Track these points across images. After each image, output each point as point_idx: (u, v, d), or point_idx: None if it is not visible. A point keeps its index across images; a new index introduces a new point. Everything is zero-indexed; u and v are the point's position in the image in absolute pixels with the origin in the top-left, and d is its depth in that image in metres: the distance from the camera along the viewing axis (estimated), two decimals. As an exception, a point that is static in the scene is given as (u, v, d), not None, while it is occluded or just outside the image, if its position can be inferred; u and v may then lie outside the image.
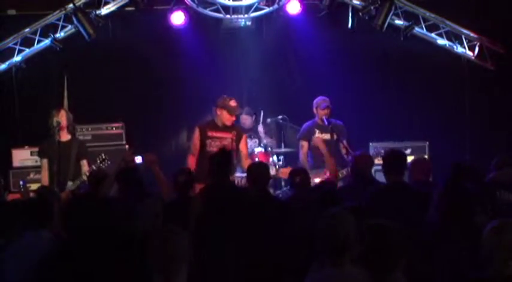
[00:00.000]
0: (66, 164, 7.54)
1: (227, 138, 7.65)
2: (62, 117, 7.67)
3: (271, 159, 8.52)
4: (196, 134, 7.72)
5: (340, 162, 8.20)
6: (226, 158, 6.10)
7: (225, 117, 7.69)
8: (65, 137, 7.73)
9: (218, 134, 7.68)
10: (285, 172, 7.71)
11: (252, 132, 9.22)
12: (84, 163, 7.72)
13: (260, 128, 9.26)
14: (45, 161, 7.69)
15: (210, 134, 7.68)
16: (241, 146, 7.76)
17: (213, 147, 7.55)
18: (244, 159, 7.82)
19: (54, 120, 7.59)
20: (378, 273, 3.32)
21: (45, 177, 7.66)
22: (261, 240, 4.97)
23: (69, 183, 7.49)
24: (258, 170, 5.83)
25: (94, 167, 7.38)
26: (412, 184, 5.95)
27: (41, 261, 3.86)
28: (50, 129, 7.64)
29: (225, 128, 7.70)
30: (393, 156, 5.80)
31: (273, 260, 4.81)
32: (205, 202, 5.40)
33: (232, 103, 7.73)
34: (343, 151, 8.18)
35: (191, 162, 7.49)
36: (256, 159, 8.55)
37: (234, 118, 7.77)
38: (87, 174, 7.27)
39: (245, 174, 7.85)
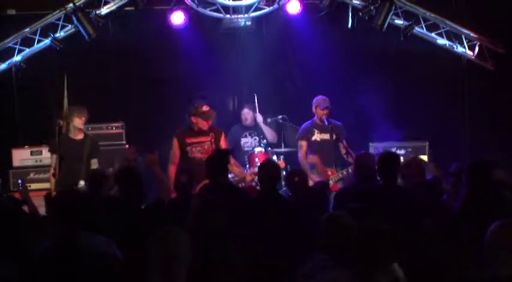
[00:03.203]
0: (78, 163, 7.60)
1: (206, 141, 7.71)
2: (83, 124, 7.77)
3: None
4: (175, 143, 7.73)
5: (340, 162, 8.20)
6: (223, 157, 6.10)
7: (201, 123, 7.75)
8: (79, 135, 7.76)
9: (197, 139, 7.72)
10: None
11: (253, 129, 9.22)
12: (95, 162, 7.79)
13: (259, 118, 9.20)
14: (54, 156, 7.70)
15: (188, 140, 7.71)
16: (221, 145, 7.76)
17: (195, 153, 7.65)
18: None
19: (77, 122, 7.70)
20: (364, 273, 3.30)
21: (52, 172, 7.65)
22: (262, 240, 4.96)
23: (81, 182, 7.50)
24: (266, 169, 5.80)
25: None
26: (407, 187, 5.94)
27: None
28: (65, 126, 7.67)
29: (202, 132, 7.75)
30: (384, 159, 5.74)
31: (274, 260, 4.80)
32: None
33: (205, 108, 7.78)
34: (343, 151, 8.18)
35: (172, 171, 7.38)
36: (256, 159, 8.57)
37: (210, 122, 7.79)
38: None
39: (231, 175, 7.89)
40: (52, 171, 7.67)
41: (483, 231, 3.51)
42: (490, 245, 3.38)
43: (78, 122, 7.76)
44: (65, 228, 3.86)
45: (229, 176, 7.78)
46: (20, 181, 8.12)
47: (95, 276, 3.67)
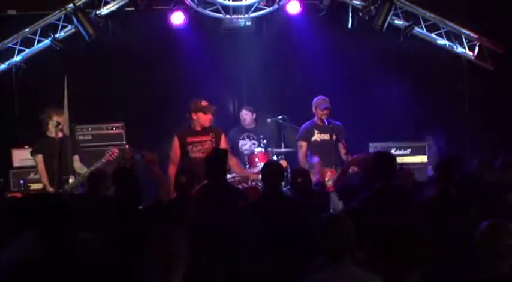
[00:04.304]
0: (65, 161, 7.66)
1: (207, 141, 7.65)
2: (65, 120, 7.78)
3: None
4: (176, 142, 7.68)
5: (339, 162, 8.20)
6: (221, 157, 6.09)
7: (202, 119, 7.68)
8: (59, 134, 7.81)
9: (197, 139, 7.67)
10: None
11: (252, 132, 9.23)
12: (76, 158, 7.87)
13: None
14: (40, 156, 7.75)
15: (189, 140, 7.65)
16: (222, 145, 7.70)
17: (196, 152, 7.60)
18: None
19: (54, 120, 7.68)
20: (396, 275, 3.25)
21: (43, 172, 7.72)
22: (261, 240, 4.97)
23: (71, 178, 7.57)
24: (270, 169, 5.78)
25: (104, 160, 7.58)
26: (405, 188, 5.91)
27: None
28: (45, 127, 7.71)
29: (203, 132, 7.69)
30: (379, 159, 5.63)
31: (277, 259, 4.81)
32: (202, 202, 5.41)
33: (204, 103, 7.73)
34: (343, 151, 8.18)
35: (172, 171, 7.28)
36: (257, 160, 8.58)
37: (211, 116, 7.73)
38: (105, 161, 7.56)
39: (233, 174, 7.88)
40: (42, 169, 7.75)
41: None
42: (480, 248, 3.37)
43: (60, 122, 7.80)
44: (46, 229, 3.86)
45: (232, 175, 7.85)
46: (21, 181, 8.19)
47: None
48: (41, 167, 7.75)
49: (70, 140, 8.03)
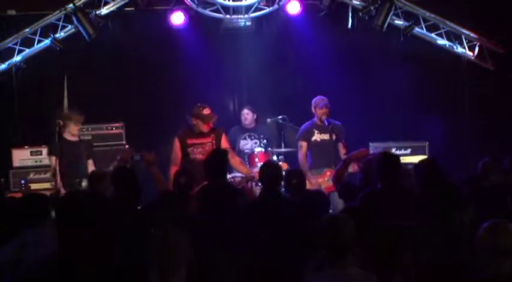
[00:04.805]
0: (78, 163, 7.72)
1: (207, 142, 7.70)
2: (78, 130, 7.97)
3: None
4: (177, 144, 7.72)
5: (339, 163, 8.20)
6: (221, 158, 6.09)
7: (201, 126, 7.74)
8: (74, 137, 7.83)
9: (198, 141, 7.71)
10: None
11: (252, 131, 9.23)
12: (91, 163, 7.91)
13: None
14: (54, 158, 7.75)
15: (190, 141, 7.69)
16: (222, 145, 7.74)
17: (196, 154, 7.64)
18: (230, 157, 7.76)
19: (72, 128, 7.83)
20: (384, 272, 3.28)
21: (57, 174, 7.70)
22: (261, 241, 4.97)
23: (84, 181, 7.57)
24: (268, 170, 5.77)
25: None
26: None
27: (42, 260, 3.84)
28: (58, 129, 7.72)
29: (204, 133, 7.74)
30: (385, 160, 5.62)
31: (276, 260, 4.81)
32: (202, 202, 5.41)
33: (206, 111, 7.76)
34: (342, 151, 8.18)
35: (173, 172, 7.14)
36: (257, 160, 8.58)
37: (210, 125, 7.79)
38: None
39: (233, 174, 7.88)
40: (52, 172, 7.74)
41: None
42: (481, 247, 3.38)
43: (73, 128, 7.89)
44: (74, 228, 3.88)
45: (232, 175, 7.85)
46: (22, 181, 8.19)
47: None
48: (56, 168, 7.71)
49: (85, 143, 8.08)
